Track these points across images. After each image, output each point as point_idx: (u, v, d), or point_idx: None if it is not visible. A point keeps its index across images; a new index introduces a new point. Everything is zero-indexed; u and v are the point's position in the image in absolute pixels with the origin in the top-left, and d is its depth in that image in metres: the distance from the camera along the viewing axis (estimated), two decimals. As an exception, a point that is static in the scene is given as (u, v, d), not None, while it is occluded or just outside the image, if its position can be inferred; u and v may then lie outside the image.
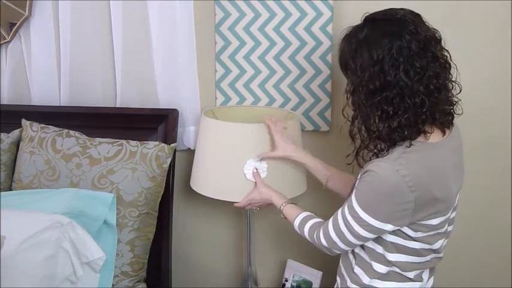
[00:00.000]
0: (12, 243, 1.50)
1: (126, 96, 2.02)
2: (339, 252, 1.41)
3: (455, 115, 1.36)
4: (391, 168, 1.23)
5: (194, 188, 1.80)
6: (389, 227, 1.28)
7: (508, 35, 1.79)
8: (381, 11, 1.31)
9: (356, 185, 1.34)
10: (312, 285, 1.94)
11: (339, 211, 1.37)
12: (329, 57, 1.87)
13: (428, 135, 1.29)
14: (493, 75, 1.84)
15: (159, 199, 1.84)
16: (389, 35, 1.23)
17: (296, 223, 1.50)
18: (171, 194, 1.95)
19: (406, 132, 1.25)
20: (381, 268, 1.36)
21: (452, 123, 1.36)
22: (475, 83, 1.86)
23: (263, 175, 1.67)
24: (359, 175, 1.34)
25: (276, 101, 1.95)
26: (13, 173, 1.91)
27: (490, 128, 1.87)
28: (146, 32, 1.96)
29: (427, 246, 1.34)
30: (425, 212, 1.28)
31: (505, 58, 1.81)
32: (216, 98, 2.00)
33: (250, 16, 1.90)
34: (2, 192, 1.76)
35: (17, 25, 2.01)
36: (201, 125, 1.80)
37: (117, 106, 2.03)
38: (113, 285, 1.71)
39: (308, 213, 1.52)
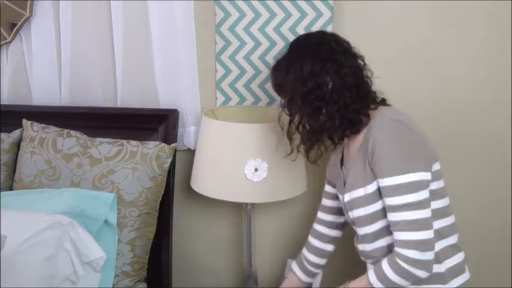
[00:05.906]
0: (12, 243, 1.50)
1: (127, 96, 2.02)
2: (430, 249, 1.33)
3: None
4: (388, 118, 1.39)
5: (194, 188, 1.80)
6: (428, 175, 1.36)
7: (508, 34, 1.79)
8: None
9: (373, 169, 1.39)
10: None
11: (389, 218, 1.36)
12: (329, 57, 1.87)
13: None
14: (493, 75, 1.84)
15: (160, 199, 1.84)
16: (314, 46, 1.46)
17: (374, 281, 1.39)
18: (171, 193, 1.95)
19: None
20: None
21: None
22: (475, 83, 1.86)
23: (263, 175, 1.67)
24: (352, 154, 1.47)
25: (276, 101, 1.95)
26: (14, 173, 1.91)
27: (490, 128, 1.88)
28: (146, 32, 1.96)
29: (446, 203, 1.44)
30: (431, 151, 1.40)
31: (505, 57, 1.81)
32: (216, 98, 2.00)
33: (250, 16, 1.90)
34: (2, 192, 1.76)
35: (17, 25, 2.00)
36: (201, 125, 1.80)
37: (117, 106, 2.03)
38: (114, 285, 1.71)
39: (370, 267, 1.49)
